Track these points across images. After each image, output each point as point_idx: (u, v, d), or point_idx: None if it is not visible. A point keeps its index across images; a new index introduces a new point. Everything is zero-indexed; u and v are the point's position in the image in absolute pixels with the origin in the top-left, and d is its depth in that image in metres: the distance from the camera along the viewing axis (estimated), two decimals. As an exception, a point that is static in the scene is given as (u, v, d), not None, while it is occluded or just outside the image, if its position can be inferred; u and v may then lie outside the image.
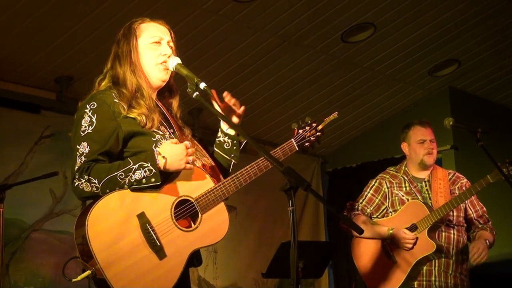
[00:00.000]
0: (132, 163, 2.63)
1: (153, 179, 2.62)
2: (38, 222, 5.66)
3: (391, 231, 4.24)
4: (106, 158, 2.69)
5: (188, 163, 2.70)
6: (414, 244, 4.20)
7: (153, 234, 2.62)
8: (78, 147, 2.68)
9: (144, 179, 2.61)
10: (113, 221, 2.59)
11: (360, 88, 6.85)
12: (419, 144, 4.39)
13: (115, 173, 2.61)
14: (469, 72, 6.95)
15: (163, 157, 2.65)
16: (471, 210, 4.38)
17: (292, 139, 3.02)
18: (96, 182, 2.61)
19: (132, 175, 2.61)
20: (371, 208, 4.47)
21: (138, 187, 2.63)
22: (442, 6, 5.75)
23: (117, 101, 2.74)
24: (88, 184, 2.61)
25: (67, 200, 5.75)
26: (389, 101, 7.22)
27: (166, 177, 2.69)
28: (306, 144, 3.05)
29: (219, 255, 6.80)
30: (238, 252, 6.96)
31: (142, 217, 2.62)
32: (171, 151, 2.67)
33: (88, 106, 2.73)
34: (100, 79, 2.88)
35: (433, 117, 6.17)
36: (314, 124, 3.08)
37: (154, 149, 2.70)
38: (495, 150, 4.09)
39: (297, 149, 3.01)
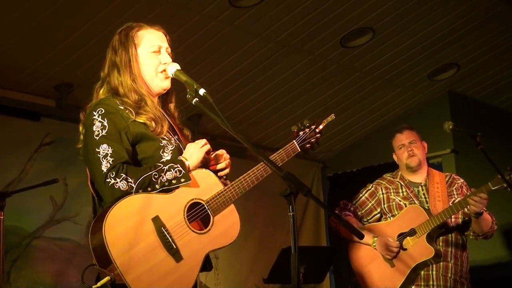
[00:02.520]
0: (162, 165, 2.70)
1: (183, 179, 2.71)
2: (39, 229, 5.65)
3: (374, 244, 4.29)
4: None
5: (205, 147, 2.82)
6: (398, 253, 4.21)
7: (169, 237, 2.65)
8: (97, 150, 2.68)
9: (174, 180, 2.70)
10: (129, 226, 2.61)
11: (359, 93, 6.85)
12: (400, 150, 4.49)
13: (150, 173, 2.68)
14: (468, 76, 6.95)
15: (186, 158, 2.76)
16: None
17: (294, 141, 3.07)
18: (132, 181, 2.65)
19: (164, 176, 2.68)
20: (363, 211, 4.52)
21: (167, 187, 2.69)
22: (440, 10, 5.76)
23: (122, 107, 2.76)
24: (125, 182, 2.64)
25: (68, 207, 5.75)
26: (388, 106, 7.22)
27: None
28: (307, 145, 3.11)
29: (220, 261, 6.79)
30: (239, 258, 6.95)
31: (157, 220, 2.65)
32: (188, 150, 2.81)
33: (95, 113, 2.74)
34: (98, 86, 2.88)
35: (433, 121, 6.21)
36: (313, 126, 3.14)
37: (161, 154, 2.75)
38: (495, 153, 4.09)
39: (299, 150, 3.06)
